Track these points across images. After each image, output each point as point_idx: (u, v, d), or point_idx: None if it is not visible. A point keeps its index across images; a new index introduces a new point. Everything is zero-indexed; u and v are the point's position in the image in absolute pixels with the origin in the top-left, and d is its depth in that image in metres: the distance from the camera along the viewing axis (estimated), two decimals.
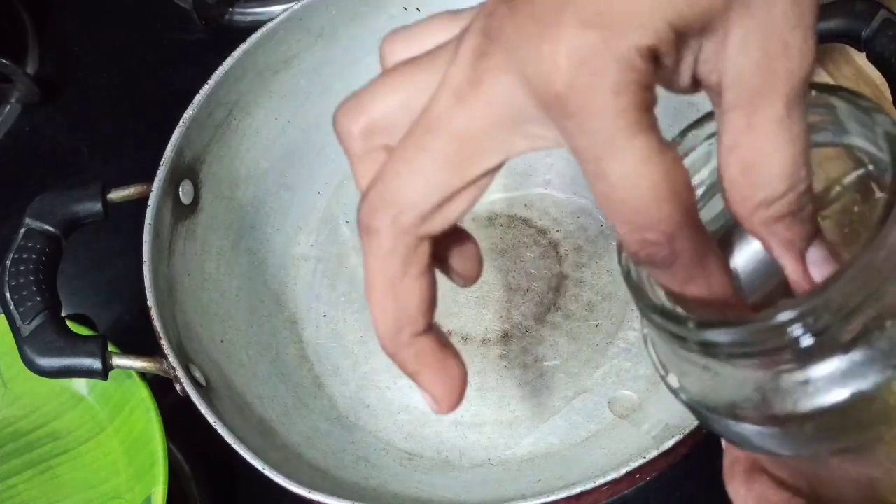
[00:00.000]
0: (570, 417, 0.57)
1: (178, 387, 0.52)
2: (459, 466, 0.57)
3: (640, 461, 0.48)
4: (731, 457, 0.35)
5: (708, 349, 0.29)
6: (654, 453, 0.48)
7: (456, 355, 0.32)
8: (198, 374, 0.54)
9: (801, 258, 0.29)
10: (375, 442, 0.58)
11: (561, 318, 0.60)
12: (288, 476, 0.49)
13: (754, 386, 0.29)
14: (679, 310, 0.30)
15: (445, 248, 0.33)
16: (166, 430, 0.55)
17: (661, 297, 0.31)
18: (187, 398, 0.51)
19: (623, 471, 0.48)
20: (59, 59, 0.79)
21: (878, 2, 0.55)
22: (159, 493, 0.53)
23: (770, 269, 0.30)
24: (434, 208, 0.28)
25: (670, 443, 0.48)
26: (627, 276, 0.31)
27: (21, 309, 0.53)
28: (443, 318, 0.61)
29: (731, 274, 0.29)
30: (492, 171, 0.29)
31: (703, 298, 0.29)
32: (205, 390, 0.53)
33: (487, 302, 0.61)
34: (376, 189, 0.29)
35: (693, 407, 0.31)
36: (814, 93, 0.30)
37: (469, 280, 0.34)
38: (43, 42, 0.79)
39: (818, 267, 0.29)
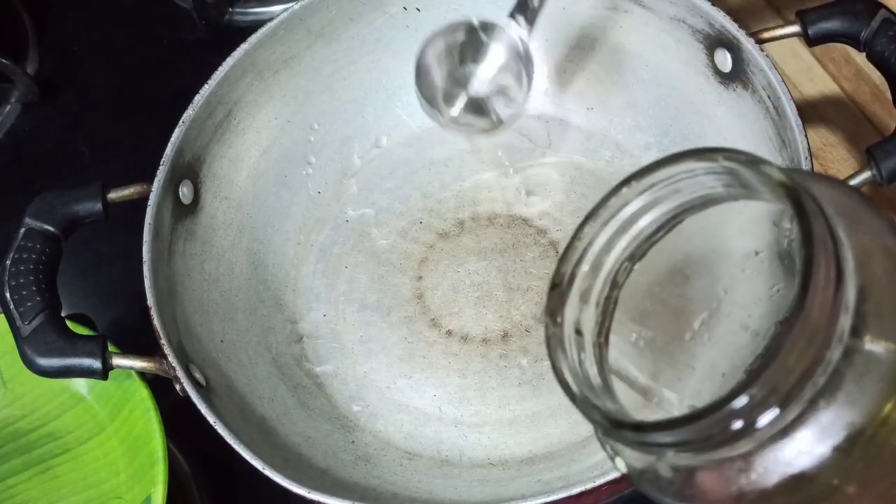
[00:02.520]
0: (570, 417, 0.57)
1: (178, 387, 0.52)
2: (459, 466, 0.57)
3: None
4: None
5: (649, 448, 0.29)
6: None
7: None
8: (198, 374, 0.54)
9: None
10: (375, 442, 0.58)
11: None
12: (288, 476, 0.49)
13: (700, 473, 0.29)
14: (618, 412, 0.31)
15: None
16: (166, 430, 0.55)
17: (596, 368, 0.31)
18: (187, 398, 0.51)
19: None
20: (59, 59, 0.79)
21: (878, 2, 0.55)
22: (159, 493, 0.53)
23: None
24: None
25: None
26: (567, 388, 0.31)
27: (21, 309, 0.53)
28: (443, 318, 0.61)
29: None
30: None
31: None
32: (205, 390, 0.53)
33: (487, 302, 0.61)
34: None
35: (643, 490, 0.31)
36: (721, 159, 0.30)
37: None
38: (43, 42, 0.79)
39: None
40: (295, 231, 0.65)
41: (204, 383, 0.54)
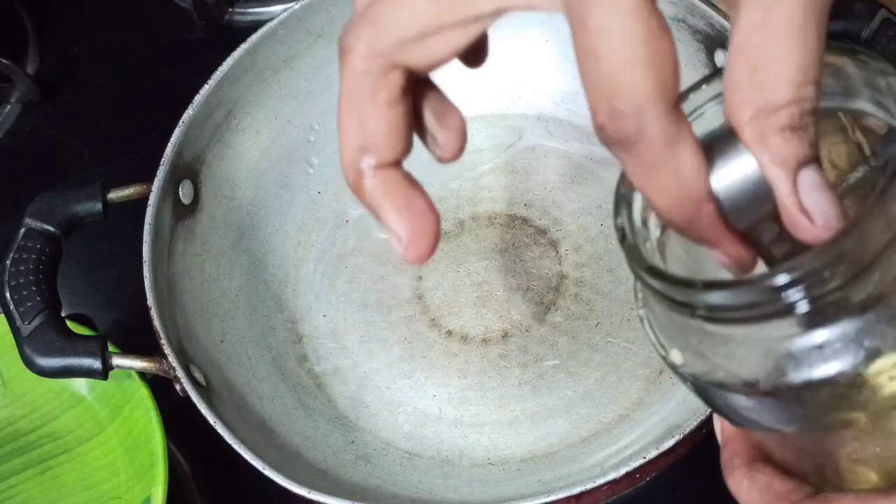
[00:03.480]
0: (570, 417, 0.57)
1: (178, 387, 0.52)
2: (459, 466, 0.57)
3: (640, 461, 0.48)
4: (730, 450, 0.34)
5: (713, 313, 0.27)
6: (654, 453, 0.48)
7: (425, 196, 0.30)
8: (198, 374, 0.54)
9: (793, 178, 0.26)
10: (375, 442, 0.58)
11: (561, 318, 0.60)
12: (288, 476, 0.49)
13: (763, 354, 0.27)
14: (683, 274, 0.29)
15: (427, 107, 0.31)
16: (166, 430, 0.55)
17: (660, 261, 0.30)
18: (187, 398, 0.51)
19: (623, 471, 0.48)
20: (59, 59, 0.79)
21: (878, 2, 0.55)
22: (159, 493, 0.53)
23: (759, 194, 0.28)
24: (415, 37, 0.27)
25: (670, 443, 0.48)
26: (623, 240, 0.29)
27: (21, 309, 0.53)
28: (443, 318, 0.61)
29: (705, 171, 0.27)
30: (482, 20, 0.27)
31: (673, 196, 0.26)
32: (205, 390, 0.53)
33: (487, 302, 0.61)
34: (364, 12, 0.28)
35: (696, 383, 0.30)
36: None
37: (447, 153, 0.32)
38: (43, 42, 0.79)
39: (811, 193, 0.27)
40: (295, 231, 0.65)
41: (204, 383, 0.54)
